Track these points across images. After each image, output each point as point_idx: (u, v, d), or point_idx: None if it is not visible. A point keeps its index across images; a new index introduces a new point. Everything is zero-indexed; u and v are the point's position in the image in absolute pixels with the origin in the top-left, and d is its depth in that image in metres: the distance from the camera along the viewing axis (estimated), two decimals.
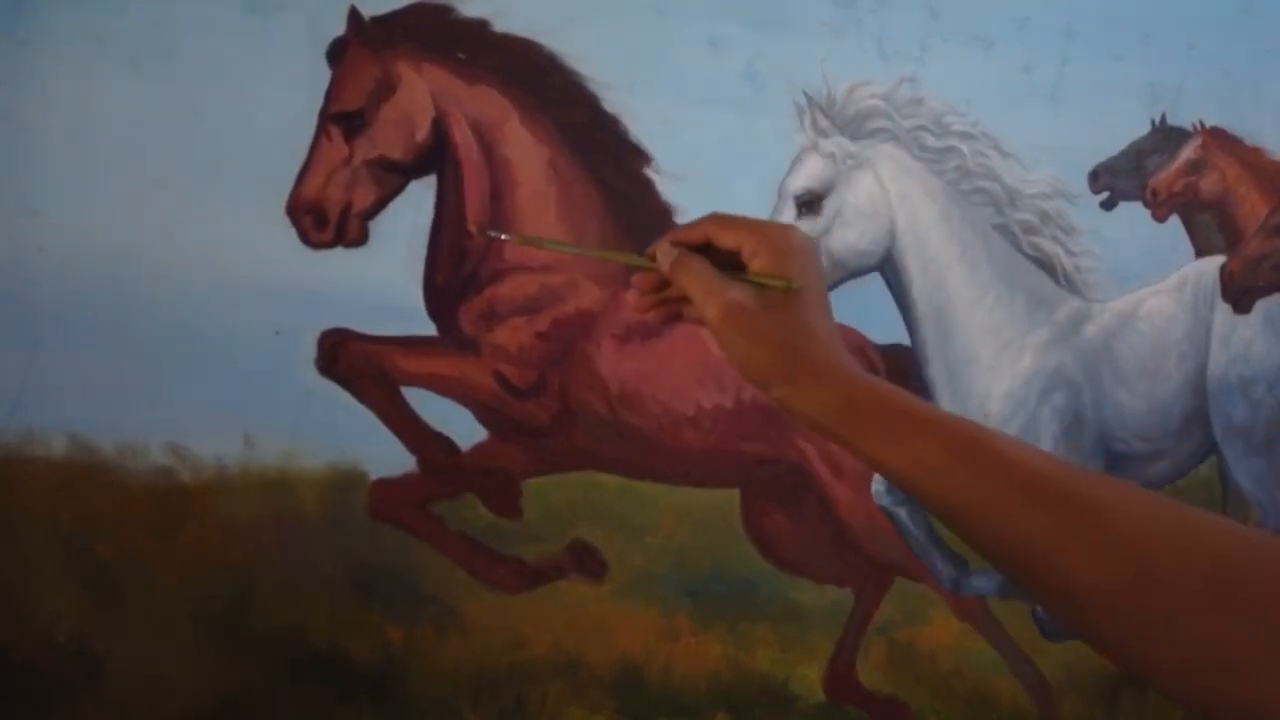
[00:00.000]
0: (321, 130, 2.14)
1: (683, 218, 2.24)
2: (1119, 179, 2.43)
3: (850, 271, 2.20)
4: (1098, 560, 0.93)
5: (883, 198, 2.20)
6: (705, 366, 2.26)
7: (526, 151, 2.22)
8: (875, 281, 2.26)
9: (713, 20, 2.23)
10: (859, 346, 2.32)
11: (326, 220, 2.13)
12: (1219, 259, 2.37)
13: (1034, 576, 0.97)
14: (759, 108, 2.23)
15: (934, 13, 2.30)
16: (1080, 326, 2.31)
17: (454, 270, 2.20)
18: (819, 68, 2.19)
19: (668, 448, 2.25)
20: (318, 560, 2.19)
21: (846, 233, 2.18)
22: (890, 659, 2.38)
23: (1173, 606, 0.91)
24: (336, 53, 2.15)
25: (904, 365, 2.29)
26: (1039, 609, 2.25)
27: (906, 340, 2.28)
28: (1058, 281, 2.30)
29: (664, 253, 1.13)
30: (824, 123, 2.17)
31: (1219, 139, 2.43)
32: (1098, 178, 2.42)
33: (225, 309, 2.12)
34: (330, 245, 2.14)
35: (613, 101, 2.19)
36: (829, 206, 2.17)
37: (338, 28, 2.13)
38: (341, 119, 2.15)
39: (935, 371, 2.24)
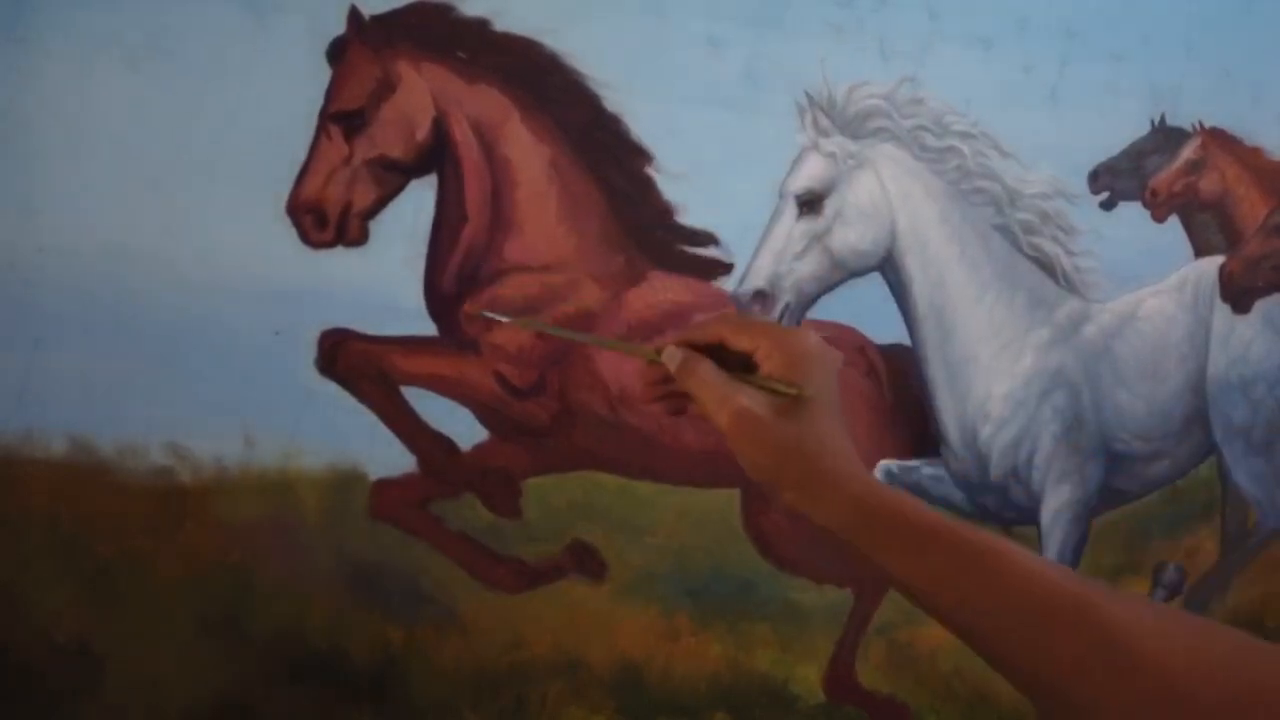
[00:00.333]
0: (321, 130, 2.14)
1: (683, 216, 2.24)
2: (1119, 179, 2.43)
3: (851, 271, 2.20)
4: (1119, 679, 0.93)
5: (883, 198, 2.20)
6: None
7: (527, 151, 2.22)
8: (875, 281, 2.26)
9: (712, 20, 2.23)
10: (859, 346, 2.32)
11: (326, 220, 2.13)
12: (1218, 259, 2.37)
13: (1053, 693, 0.96)
14: (759, 108, 2.23)
15: (934, 13, 2.30)
16: (1080, 327, 2.31)
17: (454, 270, 2.20)
18: (819, 68, 2.19)
19: (667, 448, 2.25)
20: (318, 560, 2.19)
21: (847, 232, 2.19)
22: (890, 659, 2.38)
23: None
24: (336, 52, 2.15)
25: (904, 365, 2.29)
26: None
27: (907, 340, 2.28)
28: (1058, 282, 2.30)
29: (670, 355, 1.10)
30: (825, 122, 2.17)
31: (1219, 139, 2.44)
32: (1097, 178, 2.42)
33: (225, 309, 2.12)
34: (330, 245, 2.13)
35: (613, 101, 2.19)
36: (830, 206, 2.17)
37: (338, 27, 2.13)
38: (342, 118, 2.14)
39: (935, 371, 2.25)
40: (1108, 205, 2.43)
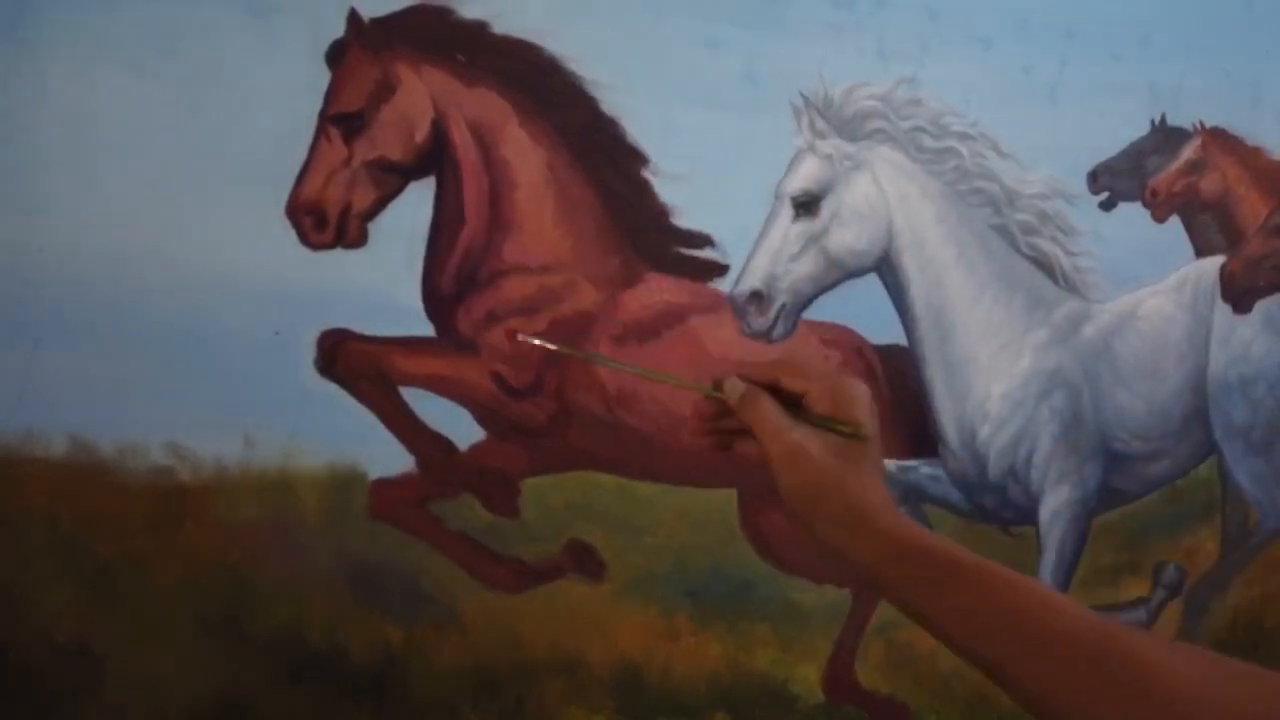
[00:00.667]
0: (321, 131, 2.14)
1: (681, 218, 2.24)
2: (1118, 179, 2.43)
3: (847, 272, 2.20)
4: (1138, 709, 0.95)
5: (880, 199, 2.20)
6: (702, 367, 2.25)
7: (525, 153, 2.22)
8: (874, 281, 2.26)
9: (712, 21, 2.23)
10: (857, 347, 2.33)
11: (326, 221, 2.13)
12: (1219, 259, 2.37)
13: None
14: (758, 108, 2.23)
15: (933, 13, 2.30)
16: (1079, 327, 2.31)
17: (453, 271, 2.20)
18: (818, 68, 2.19)
19: (665, 448, 2.25)
20: (318, 560, 2.19)
21: (844, 233, 2.18)
22: (889, 659, 2.38)
23: None
24: (336, 54, 2.15)
25: (902, 365, 2.29)
26: None
27: (904, 340, 2.28)
28: (1056, 282, 2.30)
29: (732, 386, 1.16)
30: (821, 124, 2.17)
31: (1219, 139, 2.43)
32: (1097, 178, 2.42)
33: (225, 309, 2.13)
34: (330, 246, 2.14)
35: (612, 103, 2.20)
36: (826, 208, 2.17)
37: (337, 29, 2.13)
38: (341, 120, 2.15)
39: (933, 371, 2.24)
40: (1107, 205, 2.43)
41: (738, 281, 2.15)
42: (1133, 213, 2.43)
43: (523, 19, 2.15)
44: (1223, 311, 2.33)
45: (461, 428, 2.21)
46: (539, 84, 2.20)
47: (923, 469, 2.28)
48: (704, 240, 2.25)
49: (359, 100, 2.16)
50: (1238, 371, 2.34)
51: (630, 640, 2.30)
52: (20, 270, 2.06)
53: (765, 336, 2.14)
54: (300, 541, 2.20)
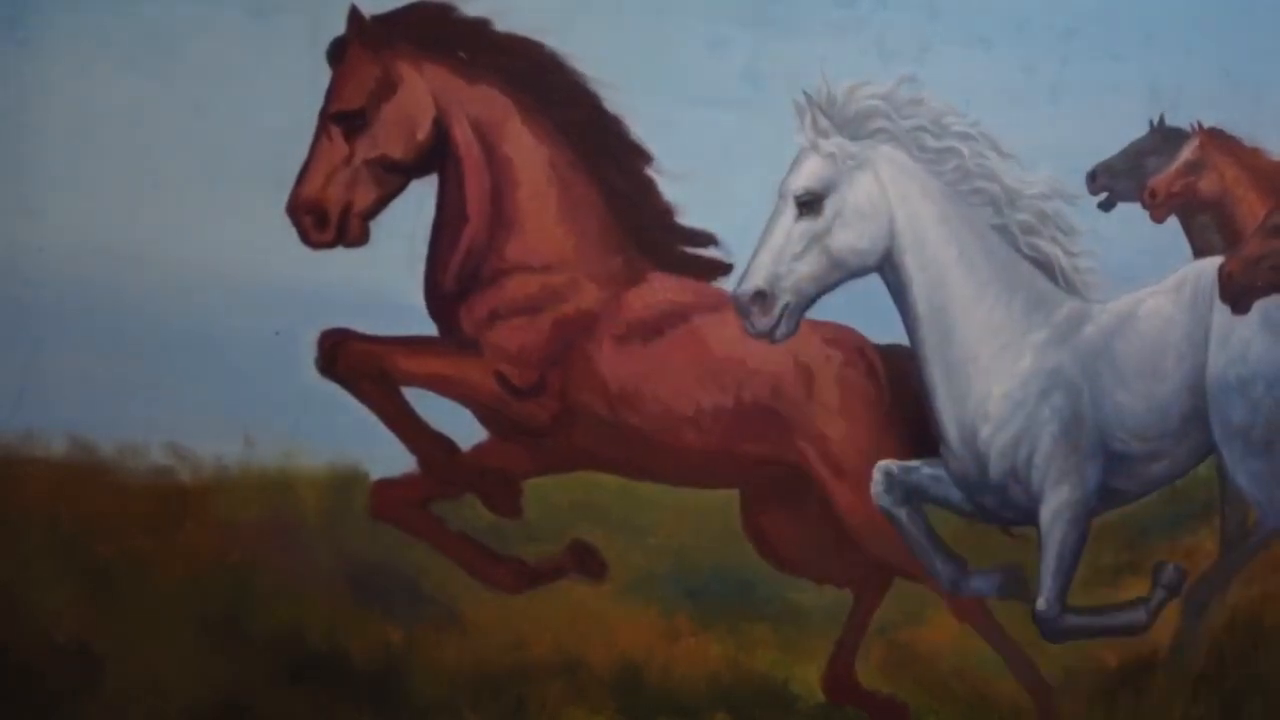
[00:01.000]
0: (322, 130, 2.14)
1: (683, 217, 2.25)
2: (1118, 180, 2.43)
3: (849, 271, 2.20)
4: None
5: (882, 198, 2.20)
6: (705, 366, 2.26)
7: (527, 151, 2.22)
8: (875, 281, 2.25)
9: (713, 20, 2.23)
10: (859, 346, 2.33)
11: (327, 220, 2.13)
12: (1217, 260, 2.36)
13: None
14: (759, 108, 2.24)
15: (934, 13, 2.30)
16: (1079, 327, 2.31)
17: (455, 270, 2.20)
18: (819, 68, 2.19)
19: (668, 448, 2.25)
20: (318, 560, 2.19)
21: (846, 232, 2.18)
22: (890, 659, 2.38)
23: None
24: (337, 52, 2.15)
25: (904, 365, 2.29)
26: (1038, 609, 2.25)
27: (906, 340, 2.28)
28: (1056, 282, 2.29)
29: None
30: (824, 123, 2.17)
31: (1218, 139, 2.44)
32: (1096, 178, 2.42)
33: (225, 309, 2.13)
34: (331, 245, 2.14)
35: (613, 101, 2.20)
36: (829, 206, 2.17)
37: (338, 28, 2.13)
38: (342, 119, 2.15)
39: (934, 371, 2.24)
40: (1106, 206, 2.43)
41: (741, 281, 2.15)
42: (1132, 213, 2.43)
43: (524, 17, 2.15)
44: (1221, 312, 2.33)
45: (463, 428, 2.21)
46: (541, 81, 2.20)
47: (924, 469, 2.27)
48: (708, 239, 2.25)
49: (360, 98, 2.15)
50: (1236, 371, 2.34)
51: (631, 640, 2.30)
52: (20, 270, 2.06)
53: (769, 336, 2.13)
54: (300, 541, 2.20)
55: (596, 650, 2.27)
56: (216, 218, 2.11)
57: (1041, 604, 2.25)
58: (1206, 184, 2.45)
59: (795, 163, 2.17)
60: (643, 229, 2.25)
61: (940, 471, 2.29)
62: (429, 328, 2.20)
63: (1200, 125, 2.43)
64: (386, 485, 2.19)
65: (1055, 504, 2.27)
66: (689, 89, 2.21)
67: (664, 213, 2.25)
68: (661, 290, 2.26)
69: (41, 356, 2.06)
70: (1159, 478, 2.37)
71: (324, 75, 2.13)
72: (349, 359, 2.15)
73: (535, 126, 2.22)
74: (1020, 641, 2.33)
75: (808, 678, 2.36)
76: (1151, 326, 2.34)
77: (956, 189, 2.25)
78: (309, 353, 2.15)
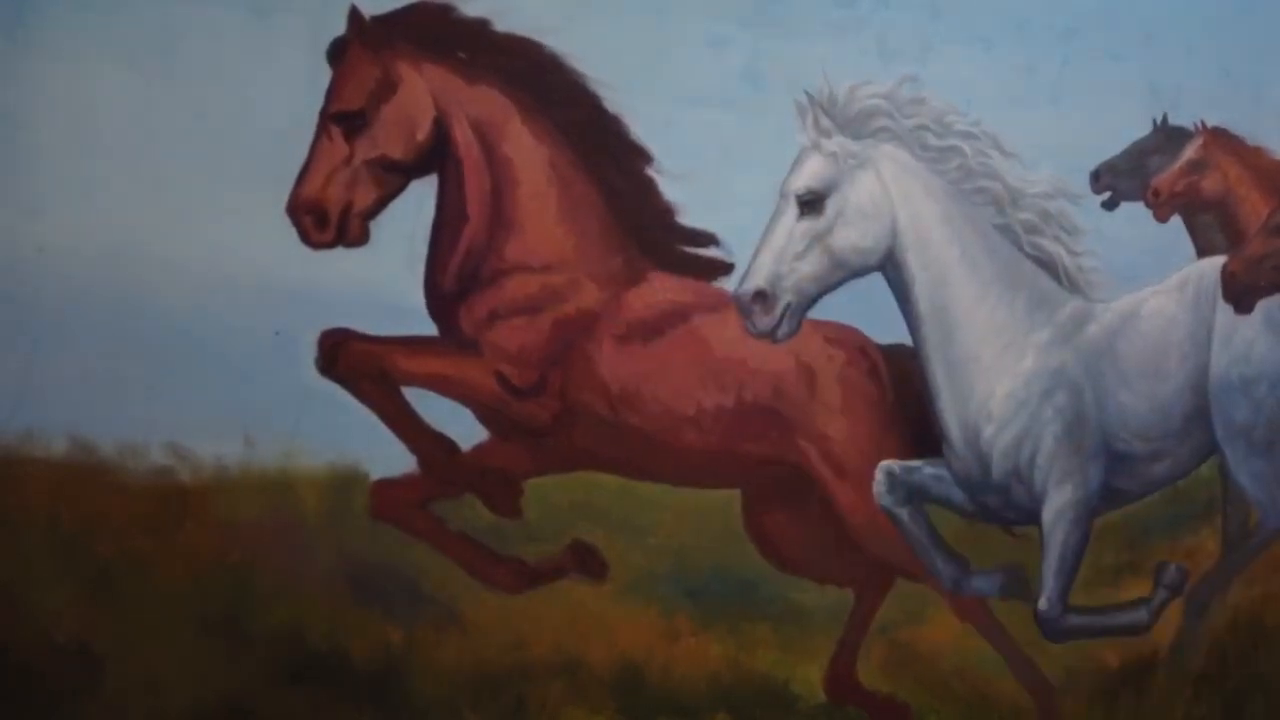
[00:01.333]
0: (322, 130, 2.14)
1: (683, 216, 2.24)
2: (1120, 179, 2.43)
3: (851, 271, 2.20)
4: None
5: (884, 197, 2.20)
6: (706, 366, 2.26)
7: (527, 151, 2.22)
8: (878, 281, 2.25)
9: (713, 20, 2.23)
10: (861, 346, 2.32)
11: (327, 220, 2.13)
12: (1220, 259, 2.36)
13: None
14: (759, 108, 2.23)
15: (935, 13, 2.30)
16: (1082, 326, 2.30)
17: (455, 269, 2.20)
18: (820, 67, 2.19)
19: (669, 448, 2.25)
20: (318, 560, 2.19)
21: (848, 232, 2.18)
22: (890, 659, 2.38)
23: None
24: (337, 52, 2.15)
25: (906, 365, 2.28)
26: (1040, 609, 2.25)
27: (908, 339, 2.28)
28: (1059, 281, 2.29)
29: None
30: (825, 122, 2.16)
31: (1221, 139, 2.43)
32: (1099, 178, 2.42)
33: (225, 309, 2.12)
34: (331, 245, 2.13)
35: (613, 101, 2.20)
36: (831, 206, 2.17)
37: (338, 28, 2.13)
38: (342, 119, 2.14)
39: (937, 371, 2.24)
40: (1110, 205, 2.43)
41: (742, 281, 2.15)
42: (1135, 212, 2.43)
43: (524, 17, 2.15)
44: (1224, 311, 2.33)
45: (464, 428, 2.21)
46: (541, 82, 2.19)
47: (926, 469, 2.27)
48: (708, 239, 2.25)
49: (360, 98, 2.15)
50: (1239, 371, 2.34)
51: (631, 640, 2.30)
52: (20, 270, 2.06)
53: (770, 336, 2.13)
54: (300, 541, 2.19)
55: (596, 650, 2.27)
56: (216, 218, 2.11)
57: (1043, 604, 2.25)
58: (1209, 183, 2.45)
59: (797, 162, 2.17)
60: (643, 229, 2.25)
61: (942, 471, 2.29)
62: (429, 328, 2.20)
63: (1203, 124, 2.43)
64: (386, 485, 2.19)
65: (1058, 504, 2.27)
66: (689, 89, 2.21)
67: (664, 213, 2.25)
68: (662, 290, 2.26)
69: (41, 356, 2.06)
70: (1161, 478, 2.37)
71: (324, 75, 2.13)
72: (349, 359, 2.15)
73: (535, 126, 2.21)
74: (1021, 641, 2.33)
75: (809, 677, 2.36)
76: (1154, 326, 2.34)
77: (959, 188, 2.24)
78: (309, 353, 2.14)
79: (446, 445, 2.20)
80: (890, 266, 2.22)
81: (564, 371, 2.22)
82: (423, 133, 2.18)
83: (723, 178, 2.22)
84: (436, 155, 2.19)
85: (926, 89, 2.23)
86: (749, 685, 2.34)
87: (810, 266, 2.15)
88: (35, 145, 2.05)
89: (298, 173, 2.13)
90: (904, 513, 2.26)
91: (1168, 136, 2.43)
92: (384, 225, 2.16)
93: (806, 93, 2.15)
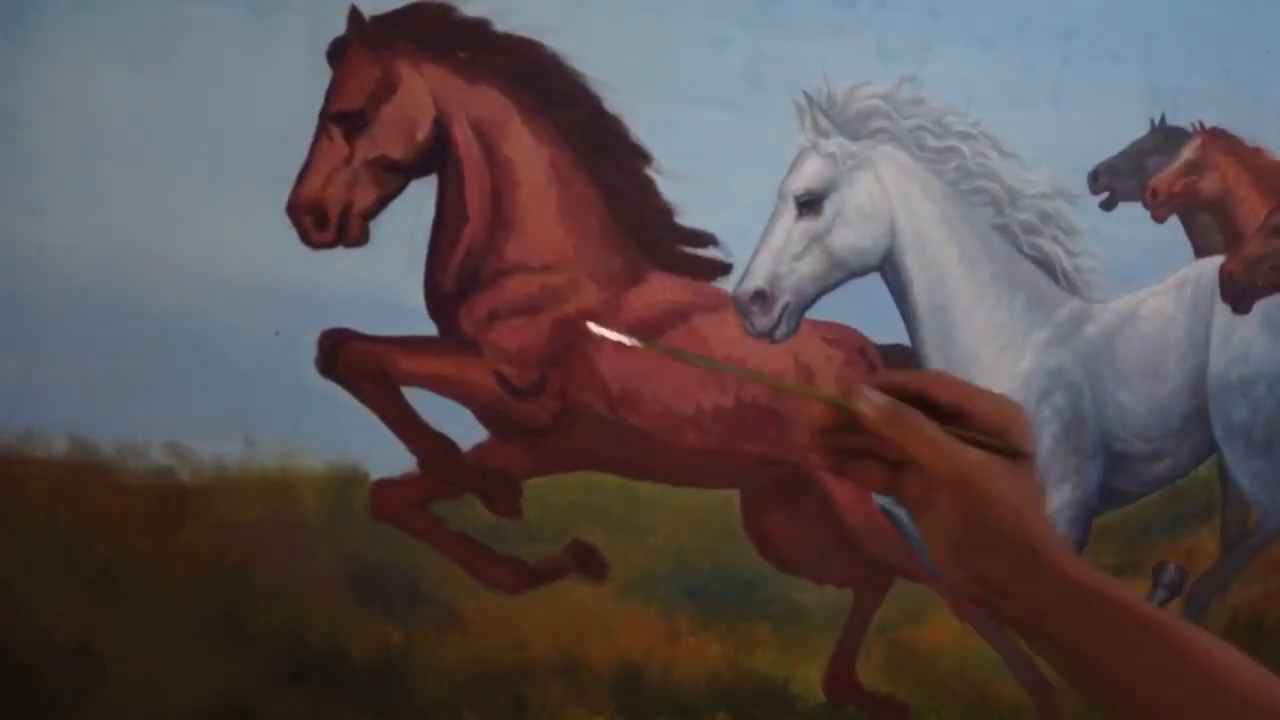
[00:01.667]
0: (322, 130, 2.14)
1: (683, 217, 2.24)
2: (1119, 179, 2.43)
3: (850, 271, 2.20)
4: None
5: (883, 198, 2.20)
6: None
7: (527, 151, 2.22)
8: (876, 281, 2.26)
9: (713, 20, 2.23)
10: (860, 346, 2.32)
11: (327, 220, 2.13)
12: (1218, 259, 2.37)
13: None
14: (759, 108, 2.23)
15: (934, 13, 2.30)
16: (1080, 326, 2.31)
17: (455, 270, 2.20)
18: (819, 68, 2.19)
19: (668, 448, 2.25)
20: (318, 560, 2.19)
21: (847, 232, 2.18)
22: (890, 659, 2.38)
23: None
24: (337, 52, 2.15)
25: (905, 365, 2.29)
26: None
27: (908, 340, 2.28)
28: (1058, 282, 2.30)
29: (872, 404, 0.94)
30: (824, 123, 2.17)
31: (1219, 139, 2.44)
32: (1098, 178, 2.42)
33: (225, 309, 2.12)
34: (331, 245, 2.14)
35: (613, 101, 2.19)
36: (829, 206, 2.17)
37: (338, 28, 2.13)
38: (342, 119, 2.14)
39: None
40: (1108, 205, 2.43)
41: (741, 281, 2.15)
42: (1133, 213, 2.43)
43: (524, 17, 2.15)
44: (1223, 312, 2.34)
45: (464, 428, 2.20)
46: (541, 82, 2.19)
47: None
48: (708, 239, 2.25)
49: (360, 98, 2.15)
50: (1238, 371, 2.34)
51: (631, 640, 2.29)
52: (20, 271, 2.06)
53: (769, 336, 2.14)
54: (300, 541, 2.19)
55: (596, 650, 2.27)
56: (216, 218, 2.11)
57: None
58: (1208, 183, 2.45)
59: (795, 163, 2.18)
60: (643, 229, 2.25)
61: None
62: (429, 328, 2.20)
63: (1202, 125, 2.43)
64: (386, 485, 2.19)
65: (1056, 504, 2.28)
66: (689, 89, 2.21)
67: (664, 213, 2.25)
68: (661, 290, 2.26)
69: (41, 356, 2.05)
70: (1160, 478, 2.37)
71: (324, 75, 2.13)
72: (349, 359, 2.15)
73: (535, 126, 2.21)
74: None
75: (808, 677, 2.36)
76: (1153, 326, 2.34)
77: (958, 188, 2.25)
78: (309, 353, 2.14)
79: (446, 445, 2.20)
80: (889, 267, 2.23)
81: (564, 371, 2.23)
82: (423, 133, 2.18)
83: (723, 178, 2.22)
84: (436, 155, 2.19)
85: (926, 89, 2.24)
86: (748, 685, 2.33)
87: (809, 267, 2.15)
88: (35, 145, 2.05)
89: (298, 173, 2.13)
90: (903, 512, 2.26)
91: (1166, 137, 2.43)
92: (384, 225, 2.16)
93: (805, 93, 2.16)
